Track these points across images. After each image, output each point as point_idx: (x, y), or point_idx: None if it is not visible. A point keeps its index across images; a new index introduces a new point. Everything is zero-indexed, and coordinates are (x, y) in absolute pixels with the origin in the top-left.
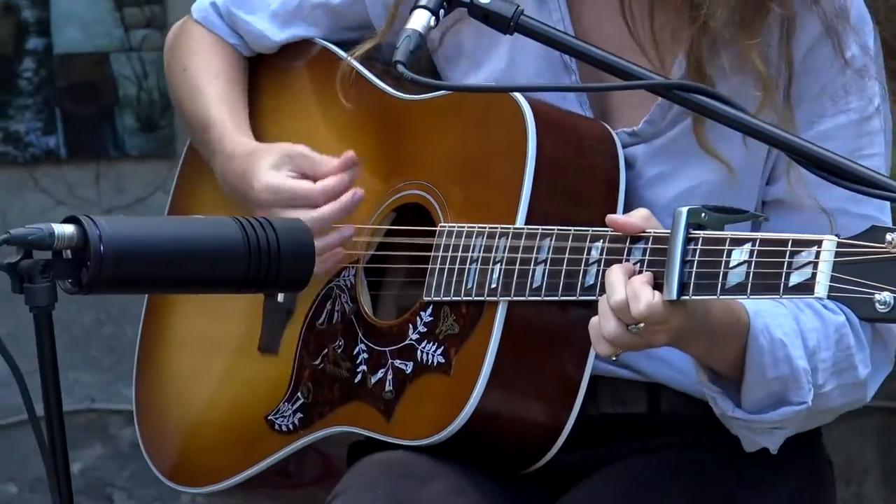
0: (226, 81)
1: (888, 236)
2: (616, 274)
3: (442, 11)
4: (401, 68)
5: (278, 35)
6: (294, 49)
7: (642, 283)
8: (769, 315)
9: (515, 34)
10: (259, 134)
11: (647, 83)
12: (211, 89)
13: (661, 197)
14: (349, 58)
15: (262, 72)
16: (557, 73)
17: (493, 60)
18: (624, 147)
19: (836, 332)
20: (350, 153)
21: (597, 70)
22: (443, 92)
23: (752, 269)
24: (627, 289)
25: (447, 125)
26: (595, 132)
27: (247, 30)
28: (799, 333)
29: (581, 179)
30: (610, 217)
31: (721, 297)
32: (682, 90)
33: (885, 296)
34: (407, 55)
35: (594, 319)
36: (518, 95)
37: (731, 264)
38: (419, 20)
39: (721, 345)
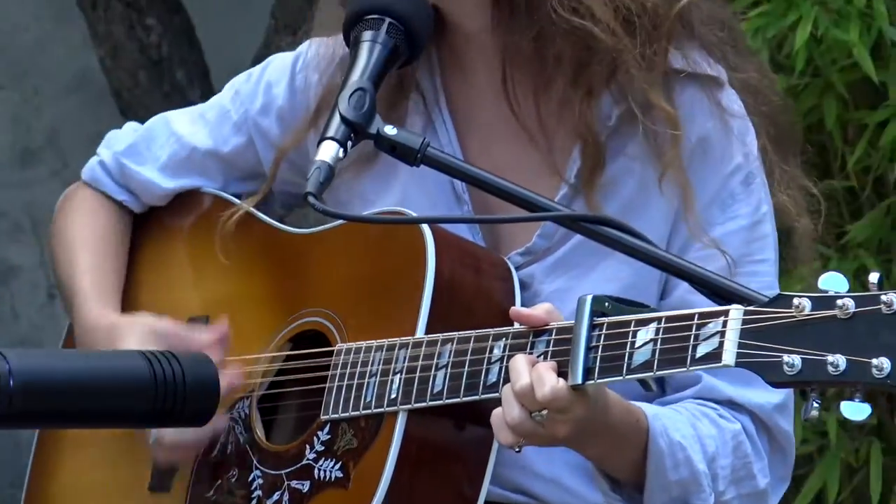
0: (99, 246)
1: (795, 301)
2: (520, 361)
3: (349, 143)
4: (312, 200)
5: (168, 183)
6: (183, 199)
7: (547, 368)
8: (667, 419)
9: (412, 169)
10: (146, 288)
11: (552, 215)
12: (81, 256)
13: (561, 312)
14: (243, 204)
15: (150, 224)
16: (449, 202)
17: (387, 197)
18: (519, 268)
19: (733, 440)
20: (223, 326)
21: (490, 196)
22: (338, 222)
23: (658, 346)
24: (532, 374)
25: (343, 253)
26: (490, 258)
27: (137, 180)
28: (697, 439)
29: (478, 299)
30: (513, 310)
31: (626, 377)
32: (588, 222)
33: (794, 358)
34: (318, 186)
35: (497, 410)
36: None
37: (636, 344)
38: (328, 151)
39: (621, 445)
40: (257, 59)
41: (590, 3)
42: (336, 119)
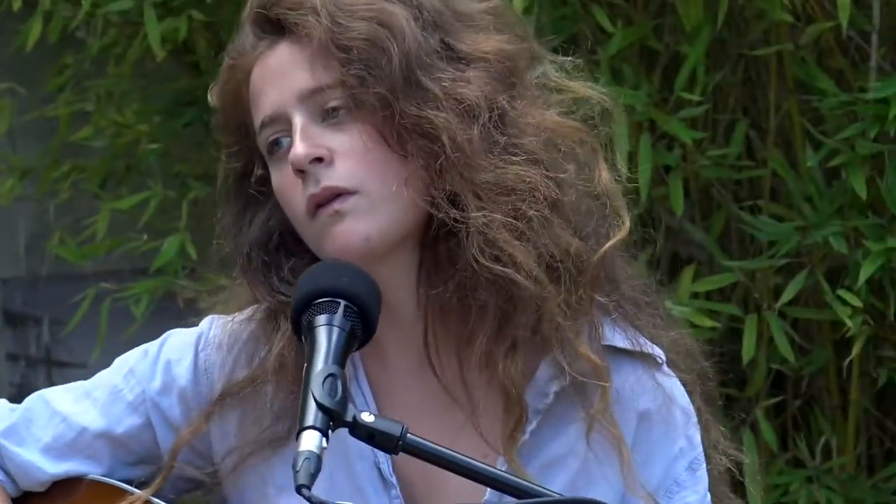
0: None
1: None
2: None
3: (330, 431)
4: (307, 493)
5: (52, 468)
6: (63, 485)
7: None
8: None
9: (334, 450)
10: None
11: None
12: None
13: None
14: (139, 493)
15: None
16: (376, 486)
17: None
18: None
19: None
20: None
21: (422, 481)
22: None
23: None
24: None
25: None
26: None
27: (16, 462)
28: None
29: None
30: None
31: None
32: None
33: None
34: (310, 478)
35: None
36: None
37: None
38: (311, 441)
39: None
40: None
41: (511, 251)
42: (312, 407)
